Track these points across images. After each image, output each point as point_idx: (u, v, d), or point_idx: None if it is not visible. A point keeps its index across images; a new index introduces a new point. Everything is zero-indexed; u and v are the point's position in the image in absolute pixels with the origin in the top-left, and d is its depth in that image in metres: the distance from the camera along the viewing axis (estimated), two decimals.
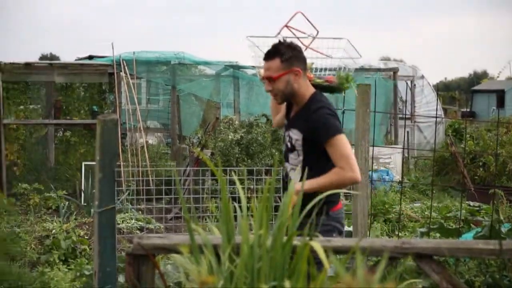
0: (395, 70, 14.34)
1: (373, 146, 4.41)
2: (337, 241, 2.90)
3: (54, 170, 11.57)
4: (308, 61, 3.77)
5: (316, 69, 3.90)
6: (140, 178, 9.83)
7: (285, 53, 3.47)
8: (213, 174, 7.96)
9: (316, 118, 3.50)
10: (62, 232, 6.90)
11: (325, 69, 3.93)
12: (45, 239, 7.25)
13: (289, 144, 3.63)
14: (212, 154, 9.82)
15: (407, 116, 14.76)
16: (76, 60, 13.82)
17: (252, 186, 5.95)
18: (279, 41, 3.57)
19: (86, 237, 6.97)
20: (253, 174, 7.52)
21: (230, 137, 9.82)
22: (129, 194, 8.46)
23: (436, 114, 8.50)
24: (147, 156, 10.84)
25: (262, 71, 3.64)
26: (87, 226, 7.93)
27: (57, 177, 11.46)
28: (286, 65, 3.48)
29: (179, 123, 12.79)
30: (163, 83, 12.73)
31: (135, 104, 11.01)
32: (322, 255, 2.43)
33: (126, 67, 10.94)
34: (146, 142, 11.40)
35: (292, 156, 3.60)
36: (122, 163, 9.66)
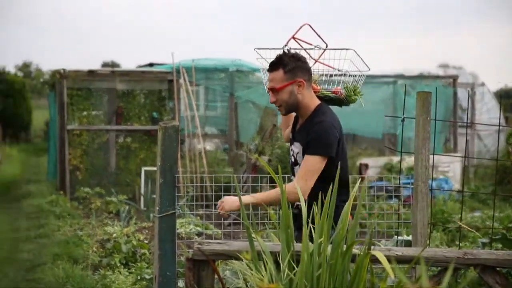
0: (454, 77, 14.07)
1: (433, 154, 4.33)
2: (398, 250, 2.88)
3: (114, 175, 11.85)
4: (317, 73, 3.74)
5: (325, 82, 3.80)
6: (198, 184, 9.98)
7: (288, 64, 3.45)
8: (270, 181, 7.98)
9: (315, 131, 3.48)
10: (122, 236, 7.03)
11: (336, 83, 3.82)
12: (106, 243, 7.40)
13: (292, 158, 3.65)
14: (270, 161, 9.84)
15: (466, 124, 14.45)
16: (137, 67, 14.09)
17: None
18: (283, 52, 3.54)
19: (145, 241, 7.08)
20: None
21: (287, 144, 9.83)
22: (187, 199, 8.56)
23: (499, 122, 8.31)
24: (205, 162, 10.97)
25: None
26: (146, 231, 8.07)
27: (118, 182, 11.72)
28: (290, 76, 3.45)
29: (237, 129, 12.88)
30: (221, 90, 12.85)
31: (193, 111, 11.16)
32: (385, 264, 2.42)
33: (185, 75, 11.10)
34: (204, 148, 11.53)
35: (296, 169, 3.59)
36: (180, 169, 9.79)
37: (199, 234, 7.39)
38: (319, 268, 2.79)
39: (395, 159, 11.53)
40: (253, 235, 3.00)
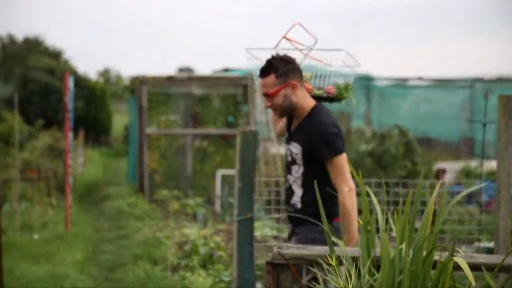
0: None
1: None
2: (481, 258, 2.83)
3: (191, 178, 12.09)
4: (308, 72, 3.70)
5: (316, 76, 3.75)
6: (273, 189, 10.02)
7: (279, 68, 3.40)
8: None
9: (319, 133, 3.45)
10: (200, 238, 7.17)
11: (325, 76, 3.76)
12: (184, 245, 7.57)
13: (289, 158, 3.60)
14: None
15: None
16: (212, 72, 14.32)
17: (387, 199, 5.90)
18: (272, 56, 3.47)
19: (222, 243, 7.19)
20: (386, 186, 7.44)
21: (362, 148, 9.77)
22: (262, 203, 8.64)
23: None
24: (279, 166, 11.02)
25: None
26: (223, 233, 8.20)
27: (194, 185, 11.95)
28: (282, 79, 3.42)
29: None
30: None
31: (267, 115, 11.24)
32: (467, 271, 2.39)
33: (257, 79, 11.19)
34: (278, 152, 11.59)
35: (294, 169, 3.57)
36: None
37: (275, 237, 7.45)
38: (400, 274, 2.77)
39: (473, 163, 11.25)
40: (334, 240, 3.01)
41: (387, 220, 2.88)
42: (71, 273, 6.53)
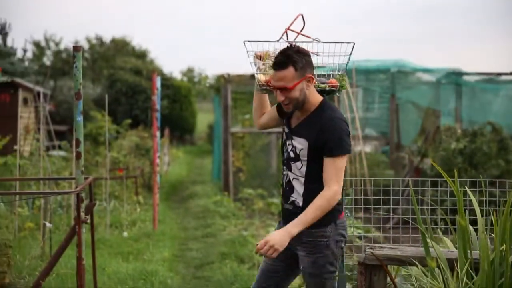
0: None
1: None
2: None
3: (276, 176, 12.10)
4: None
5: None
6: (359, 188, 9.89)
7: (298, 61, 3.25)
8: (432, 185, 7.73)
9: (332, 129, 3.31)
10: None
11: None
12: None
13: (292, 154, 3.43)
14: (431, 164, 9.56)
15: None
16: None
17: (482, 199, 5.69)
18: (288, 47, 3.32)
19: None
20: (477, 186, 7.18)
21: (452, 146, 9.48)
22: (347, 202, 8.54)
23: None
24: (365, 164, 10.88)
25: (261, 76, 3.44)
26: None
27: (279, 184, 11.95)
28: (301, 73, 3.26)
29: (398, 131, 12.64)
30: (380, 91, 12.68)
31: (353, 113, 11.11)
32: None
33: (345, 76, 11.09)
34: (363, 150, 11.44)
35: (295, 165, 3.41)
36: None
37: (360, 238, 7.33)
38: (501, 277, 2.66)
39: None
40: (429, 241, 2.93)
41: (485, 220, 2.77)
42: (160, 270, 6.64)
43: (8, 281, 5.73)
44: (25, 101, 19.25)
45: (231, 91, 11.73)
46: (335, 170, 3.27)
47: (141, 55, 33.48)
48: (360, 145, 11.28)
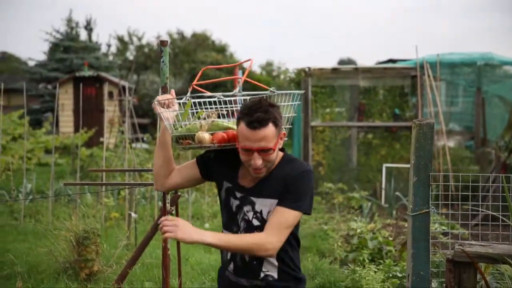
0: None
1: None
2: None
3: (356, 171, 11.99)
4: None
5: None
6: (442, 183, 9.68)
7: (277, 116, 2.71)
8: None
9: (299, 182, 2.78)
10: (368, 232, 7.08)
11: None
12: (350, 238, 7.52)
13: (256, 221, 2.80)
14: None
15: None
16: (376, 63, 14.09)
17: None
18: (260, 100, 2.73)
19: (390, 238, 7.05)
20: None
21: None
22: (431, 198, 8.37)
23: None
24: (448, 159, 10.62)
25: (205, 136, 2.83)
26: (391, 228, 8.04)
27: (359, 178, 11.85)
28: (278, 130, 2.73)
29: (484, 126, 12.26)
30: (465, 85, 12.33)
31: (437, 107, 10.86)
32: None
33: (429, 70, 10.85)
34: (447, 145, 11.17)
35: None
36: None
37: (445, 234, 7.17)
38: None
39: None
40: None
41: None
42: None
43: (97, 269, 5.92)
44: (110, 95, 19.90)
45: (312, 85, 11.69)
46: (280, 223, 2.74)
47: (221, 49, 33.82)
48: (443, 139, 11.02)
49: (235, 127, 2.80)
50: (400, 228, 8.12)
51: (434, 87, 10.69)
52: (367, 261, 6.11)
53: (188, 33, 35.15)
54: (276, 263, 2.80)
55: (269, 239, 2.70)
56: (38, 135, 15.52)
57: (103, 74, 21.65)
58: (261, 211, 2.79)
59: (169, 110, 2.95)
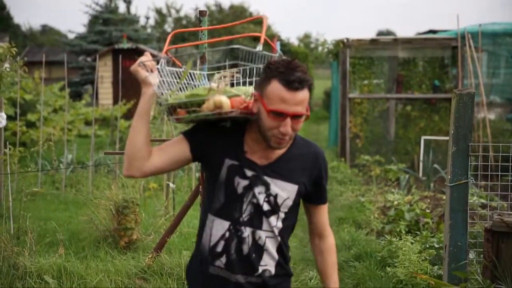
0: None
1: None
2: None
3: (394, 143, 11.90)
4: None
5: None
6: (481, 154, 9.54)
7: (310, 81, 2.32)
8: None
9: (326, 170, 2.54)
10: (405, 204, 7.04)
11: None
12: (387, 210, 7.50)
13: (266, 206, 2.42)
14: None
15: None
16: (416, 34, 13.84)
17: None
18: (295, 60, 2.33)
19: (427, 210, 7.00)
20: None
21: None
22: (470, 168, 8.27)
23: None
24: (488, 132, 10.45)
25: (224, 100, 2.35)
26: (428, 200, 7.99)
27: (397, 150, 11.77)
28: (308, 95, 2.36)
29: None
30: (507, 55, 12.05)
31: (478, 78, 10.66)
32: None
33: (470, 40, 10.64)
34: (487, 117, 10.98)
35: (269, 221, 2.43)
36: None
37: (483, 206, 7.09)
38: None
39: None
40: None
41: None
42: None
43: (136, 237, 6.03)
44: None
45: (350, 56, 11.59)
46: (326, 217, 2.62)
47: (258, 21, 33.68)
48: (484, 112, 10.83)
49: (241, 94, 2.39)
50: (437, 200, 8.07)
51: (476, 58, 10.48)
52: (403, 232, 6.10)
53: (226, 5, 35.09)
54: (276, 256, 2.47)
55: (332, 238, 2.64)
56: (78, 107, 15.77)
57: (142, 46, 21.77)
58: (276, 195, 2.41)
59: (153, 75, 2.44)
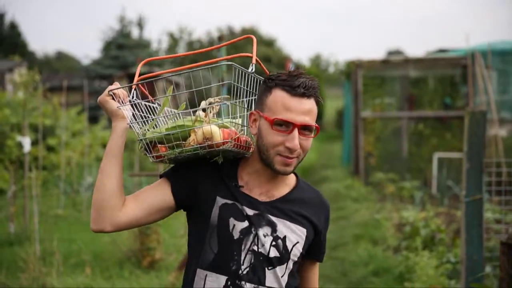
0: None
1: None
2: None
3: (407, 161, 12.03)
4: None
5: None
6: (493, 170, 9.64)
7: (318, 93, 1.99)
8: None
9: (328, 219, 2.16)
10: (420, 221, 7.17)
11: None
12: (403, 226, 7.62)
13: (274, 252, 1.97)
14: None
15: None
16: (426, 52, 14.01)
17: None
18: (300, 71, 1.97)
19: (443, 226, 7.13)
20: None
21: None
22: (484, 184, 8.40)
23: None
24: (500, 148, 10.56)
25: (214, 129, 1.91)
26: (443, 216, 8.11)
27: (410, 168, 11.90)
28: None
29: None
30: None
31: (488, 96, 10.80)
32: None
33: (480, 59, 10.81)
34: (498, 134, 11.10)
35: (274, 272, 1.98)
36: None
37: (498, 221, 7.20)
38: None
39: None
40: None
41: None
42: None
43: (158, 257, 6.21)
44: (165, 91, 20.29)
45: (362, 76, 11.78)
46: (317, 276, 2.22)
47: (270, 43, 34.05)
48: (495, 128, 10.96)
49: (230, 126, 1.99)
50: (452, 216, 8.18)
51: (486, 76, 10.64)
52: (419, 248, 6.22)
53: (237, 28, 35.49)
54: None
55: None
56: (95, 130, 16.02)
57: (156, 70, 22.09)
58: (284, 237, 1.98)
59: (125, 106, 2.03)
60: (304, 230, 2.02)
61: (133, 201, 1.96)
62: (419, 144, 12.10)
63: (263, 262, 1.95)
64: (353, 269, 6.30)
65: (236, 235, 1.94)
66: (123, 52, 25.34)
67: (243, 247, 1.94)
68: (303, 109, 1.90)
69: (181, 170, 2.01)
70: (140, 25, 28.33)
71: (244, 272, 1.93)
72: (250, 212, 1.95)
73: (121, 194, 1.94)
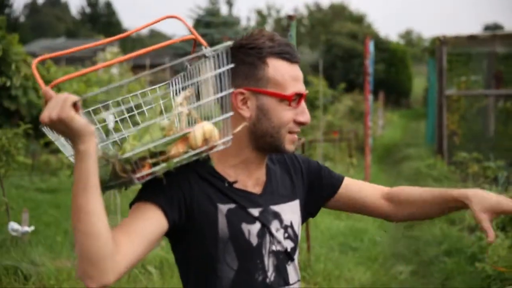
0: None
1: None
2: None
3: (493, 140, 11.69)
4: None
5: None
6: None
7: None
8: None
9: (305, 162, 1.88)
10: None
11: None
12: None
13: (289, 242, 1.73)
14: None
15: None
16: None
17: None
18: (263, 31, 1.69)
19: None
20: None
21: None
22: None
23: None
24: None
25: (207, 128, 1.50)
26: None
27: (496, 147, 11.55)
28: None
29: None
30: None
31: None
32: None
33: None
34: None
35: (294, 264, 1.75)
36: None
37: None
38: None
39: None
40: None
41: None
42: (370, 228, 6.94)
43: None
44: None
45: (447, 53, 11.49)
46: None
47: (358, 19, 33.57)
48: None
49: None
50: None
51: None
52: (496, 228, 6.10)
53: (325, 4, 35.21)
54: None
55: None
56: None
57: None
58: (291, 223, 1.75)
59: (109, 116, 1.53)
60: (297, 201, 1.79)
61: (126, 238, 1.47)
62: (507, 123, 11.71)
63: (284, 260, 1.70)
64: (426, 248, 6.27)
65: (254, 241, 1.64)
66: (210, 30, 25.71)
67: (264, 252, 1.66)
68: (301, 76, 1.67)
69: (162, 187, 1.55)
70: (230, 2, 28.62)
71: (272, 279, 1.66)
72: (255, 211, 1.65)
73: (112, 235, 1.42)
